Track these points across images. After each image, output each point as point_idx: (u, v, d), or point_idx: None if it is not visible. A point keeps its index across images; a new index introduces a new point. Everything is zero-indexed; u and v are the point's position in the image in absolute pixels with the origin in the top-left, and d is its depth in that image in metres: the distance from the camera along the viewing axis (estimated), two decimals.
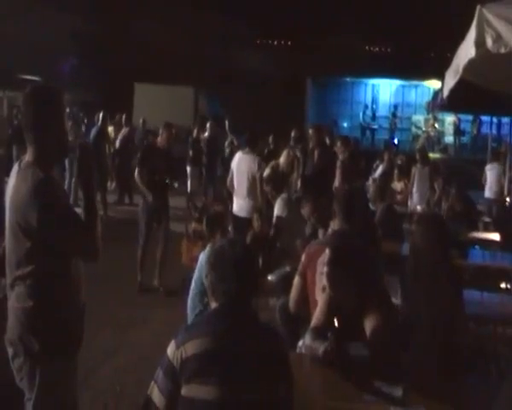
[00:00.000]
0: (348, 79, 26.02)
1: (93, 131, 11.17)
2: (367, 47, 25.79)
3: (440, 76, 5.78)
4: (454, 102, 5.69)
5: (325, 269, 2.98)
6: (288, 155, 8.16)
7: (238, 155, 7.08)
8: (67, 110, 12.15)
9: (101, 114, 11.23)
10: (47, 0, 18.31)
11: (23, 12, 17.37)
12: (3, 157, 10.46)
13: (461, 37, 4.08)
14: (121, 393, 4.33)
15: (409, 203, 8.71)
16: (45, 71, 18.33)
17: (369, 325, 2.89)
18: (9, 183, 2.53)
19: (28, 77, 16.60)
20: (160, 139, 6.85)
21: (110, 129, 12.59)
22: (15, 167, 2.53)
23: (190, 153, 12.05)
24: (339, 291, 2.96)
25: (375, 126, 23.68)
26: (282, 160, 8.02)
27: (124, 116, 13.30)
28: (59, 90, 2.60)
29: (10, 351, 2.49)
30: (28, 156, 2.49)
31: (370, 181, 9.89)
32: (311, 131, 8.18)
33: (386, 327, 2.87)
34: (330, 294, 2.98)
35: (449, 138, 22.96)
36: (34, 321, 2.44)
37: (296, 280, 3.71)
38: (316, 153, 7.56)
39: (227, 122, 13.07)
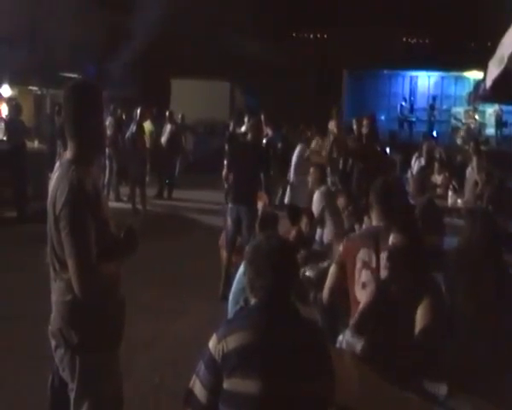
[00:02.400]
0: (385, 71, 25.67)
1: (131, 127, 11.36)
2: (404, 38, 25.39)
3: (481, 66, 5.63)
4: (498, 92, 5.53)
5: (387, 256, 2.91)
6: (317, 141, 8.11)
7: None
8: (111, 107, 12.41)
9: (138, 110, 11.41)
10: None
11: (64, 10, 17.70)
12: (47, 153, 10.72)
13: (503, 25, 3.96)
14: (160, 384, 4.38)
15: (449, 196, 8.50)
16: (86, 68, 18.70)
17: (420, 323, 2.82)
18: (51, 179, 2.59)
19: (70, 75, 16.93)
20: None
21: (147, 124, 12.79)
22: (57, 164, 2.60)
23: (227, 147, 12.11)
24: (397, 282, 2.90)
25: (413, 119, 23.32)
26: (313, 144, 8.02)
27: (168, 112, 13.51)
28: (98, 86, 2.65)
29: (53, 342, 2.57)
30: (68, 153, 2.55)
31: (409, 174, 9.76)
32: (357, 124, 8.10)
33: (437, 329, 2.78)
34: (378, 288, 2.93)
35: (490, 130, 22.41)
36: (73, 315, 2.50)
37: (332, 269, 3.66)
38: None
39: (262, 116, 13.10)
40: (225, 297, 6.17)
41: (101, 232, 2.49)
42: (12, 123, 9.76)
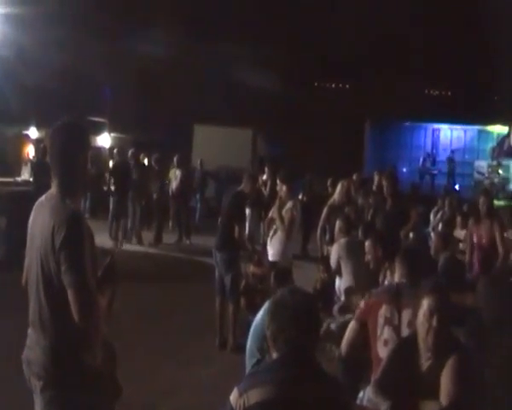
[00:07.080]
0: (407, 123, 25.79)
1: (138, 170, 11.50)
2: (427, 90, 25.59)
3: (505, 120, 5.63)
4: None
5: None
6: (342, 186, 8.05)
7: None
8: (131, 151, 12.57)
9: (141, 155, 11.51)
10: (115, 42, 19.26)
11: (90, 53, 18.28)
12: None
13: None
14: None
15: None
16: (111, 112, 19.19)
17: (446, 384, 2.75)
18: (33, 217, 2.60)
19: (96, 119, 17.36)
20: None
21: (173, 171, 12.84)
22: (40, 202, 2.61)
23: None
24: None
25: (435, 171, 23.28)
26: (336, 192, 7.99)
27: (175, 158, 12.94)
28: (84, 126, 2.76)
29: (40, 384, 2.49)
30: (55, 189, 2.58)
31: (430, 229, 9.64)
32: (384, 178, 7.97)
33: (463, 393, 2.71)
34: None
35: None
36: (60, 356, 2.46)
37: (352, 324, 3.67)
38: (389, 201, 7.18)
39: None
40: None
41: (94, 266, 2.52)
42: (39, 164, 10.02)
